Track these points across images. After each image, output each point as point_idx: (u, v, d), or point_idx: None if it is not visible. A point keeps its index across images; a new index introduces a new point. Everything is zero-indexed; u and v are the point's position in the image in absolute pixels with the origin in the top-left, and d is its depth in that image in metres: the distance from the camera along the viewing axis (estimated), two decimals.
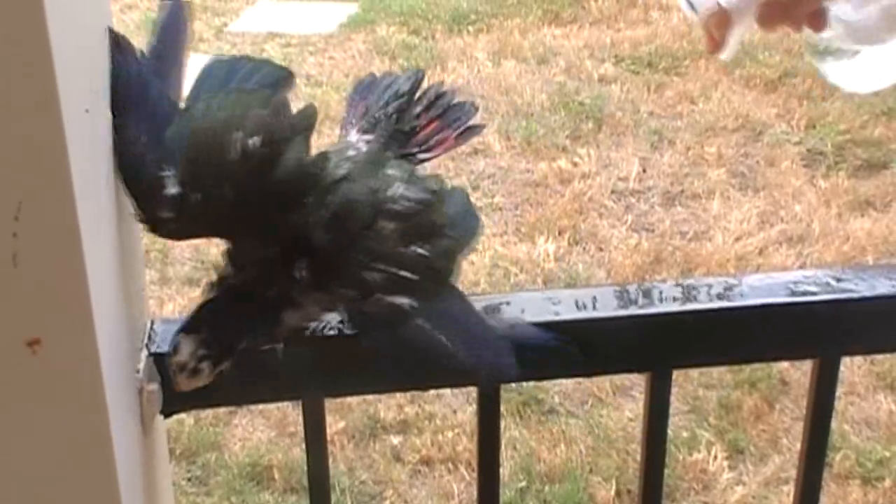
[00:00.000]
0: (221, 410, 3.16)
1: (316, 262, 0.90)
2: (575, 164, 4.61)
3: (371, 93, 1.08)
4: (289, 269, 0.90)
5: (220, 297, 0.93)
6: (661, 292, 1.02)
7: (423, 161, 1.05)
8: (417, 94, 1.09)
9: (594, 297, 1.02)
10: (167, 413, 1.00)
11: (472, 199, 0.99)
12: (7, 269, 0.74)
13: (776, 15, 0.84)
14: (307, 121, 0.94)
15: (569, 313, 1.00)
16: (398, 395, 3.20)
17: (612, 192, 4.43)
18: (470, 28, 5.92)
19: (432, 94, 1.09)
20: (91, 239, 0.77)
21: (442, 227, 0.95)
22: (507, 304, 1.01)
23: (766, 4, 0.84)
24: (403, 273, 0.91)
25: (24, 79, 0.70)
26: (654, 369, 1.03)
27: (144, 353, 0.97)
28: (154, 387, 0.97)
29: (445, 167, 4.56)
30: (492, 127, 4.92)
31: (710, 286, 1.03)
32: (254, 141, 0.89)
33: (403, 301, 0.91)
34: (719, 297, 1.02)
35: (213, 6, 6.32)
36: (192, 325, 0.92)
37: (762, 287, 1.03)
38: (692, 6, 0.83)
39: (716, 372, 3.29)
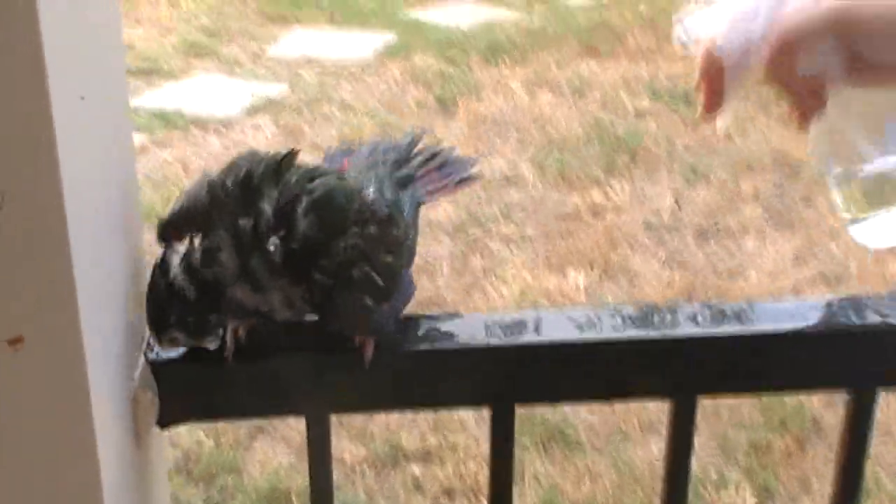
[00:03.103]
0: (242, 433, 3.11)
1: (293, 244, 0.89)
2: (608, 197, 4.56)
3: (368, 152, 1.08)
4: (261, 243, 0.89)
5: (176, 268, 0.91)
6: (686, 314, 0.97)
7: (420, 204, 1.06)
8: (416, 149, 1.10)
9: (617, 316, 0.97)
10: (164, 424, 0.95)
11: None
12: None
13: (778, 75, 0.80)
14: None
15: (590, 333, 0.95)
16: (421, 423, 3.14)
17: (646, 226, 4.37)
18: (507, 59, 5.89)
19: (430, 150, 1.11)
20: (80, 235, 0.73)
21: (400, 243, 0.97)
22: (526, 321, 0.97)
23: (772, 61, 0.80)
24: (377, 278, 0.92)
25: (10, 58, 0.66)
26: (677, 396, 0.98)
27: (142, 359, 0.93)
28: (150, 396, 0.92)
29: (477, 196, 4.52)
30: (525, 157, 4.89)
31: (738, 310, 0.98)
32: None
33: (369, 302, 0.92)
34: (747, 320, 0.96)
35: (251, 31, 6.33)
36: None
37: (794, 311, 0.97)
38: (686, 37, 0.81)
39: (746, 411, 3.21)
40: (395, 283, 0.95)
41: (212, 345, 0.93)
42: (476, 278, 3.98)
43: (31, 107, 0.67)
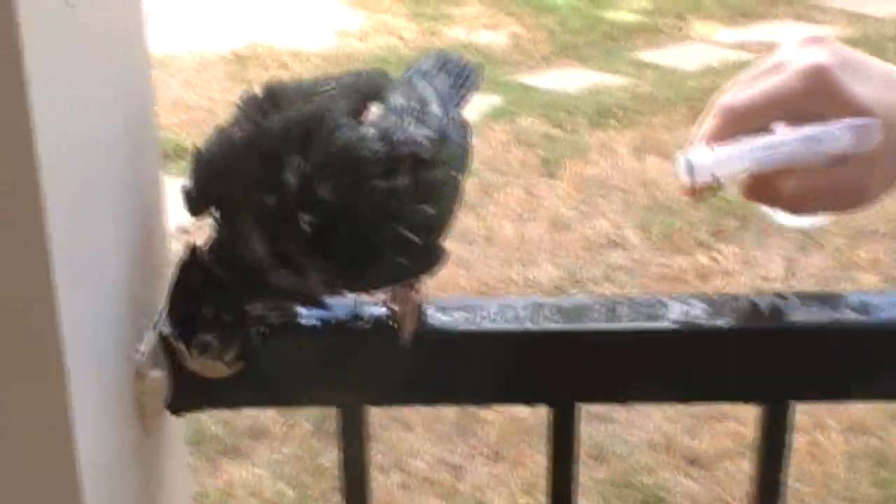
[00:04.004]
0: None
1: (318, 215, 0.76)
2: (715, 261, 4.38)
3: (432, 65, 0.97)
4: (291, 223, 0.76)
5: (197, 253, 0.80)
6: (791, 305, 0.83)
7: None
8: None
9: (708, 305, 0.84)
10: (176, 409, 0.84)
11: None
12: None
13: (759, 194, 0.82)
14: None
15: (673, 320, 0.82)
16: (511, 483, 2.99)
17: (755, 291, 4.17)
18: (614, 122, 5.77)
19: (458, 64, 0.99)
20: (57, 179, 0.62)
21: (445, 186, 0.84)
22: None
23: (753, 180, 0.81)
24: (412, 236, 0.79)
25: None
26: (768, 400, 0.83)
27: (149, 334, 0.81)
28: (158, 374, 0.81)
29: (579, 258, 4.40)
30: (630, 220, 4.75)
31: (856, 301, 0.84)
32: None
33: (406, 262, 0.80)
34: (857, 310, 0.82)
35: None
36: (168, 297, 0.80)
37: None
38: (691, 173, 0.79)
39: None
40: (440, 232, 0.83)
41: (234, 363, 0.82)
42: None
43: None
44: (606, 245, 4.54)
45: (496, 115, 5.87)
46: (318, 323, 0.83)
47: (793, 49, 0.81)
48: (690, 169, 0.78)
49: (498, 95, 6.13)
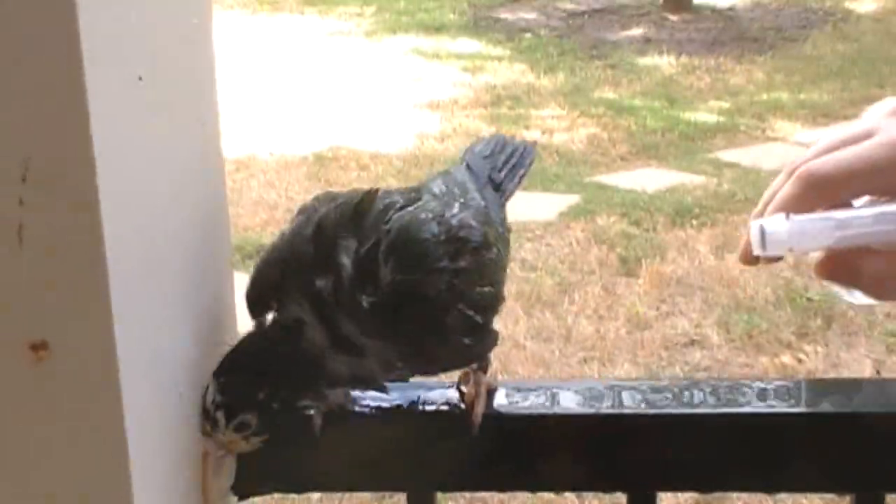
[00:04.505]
0: None
1: (380, 297, 0.76)
2: (800, 361, 4.28)
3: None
4: (349, 305, 0.75)
5: (261, 333, 0.78)
6: (876, 388, 0.79)
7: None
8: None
9: (789, 389, 0.80)
10: (243, 493, 0.82)
11: None
12: (10, 247, 0.60)
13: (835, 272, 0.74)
14: None
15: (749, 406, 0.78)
16: None
17: None
18: (693, 221, 5.72)
19: (509, 147, 1.00)
20: (118, 217, 0.62)
21: (498, 268, 0.85)
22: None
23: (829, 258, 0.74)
24: (475, 316, 0.79)
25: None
26: (856, 490, 0.79)
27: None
28: (223, 454, 0.79)
29: (659, 356, 4.33)
30: (710, 319, 4.68)
31: None
32: None
33: (469, 342, 0.79)
34: None
35: None
36: (222, 365, 0.78)
37: None
38: (763, 243, 0.73)
39: None
40: (496, 311, 0.82)
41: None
42: None
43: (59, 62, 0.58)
44: (687, 344, 4.47)
45: (574, 213, 5.87)
46: (386, 406, 0.81)
47: (884, 115, 0.75)
48: (763, 238, 0.72)
49: (576, 194, 6.13)
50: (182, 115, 0.76)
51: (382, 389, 0.82)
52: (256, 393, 0.78)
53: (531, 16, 10.19)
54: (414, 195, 0.83)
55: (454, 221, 0.80)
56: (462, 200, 0.84)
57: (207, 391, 0.77)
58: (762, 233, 0.72)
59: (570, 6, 10.46)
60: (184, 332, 0.76)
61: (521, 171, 0.97)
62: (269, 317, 0.80)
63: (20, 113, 0.57)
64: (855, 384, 0.81)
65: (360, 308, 0.75)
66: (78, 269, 0.60)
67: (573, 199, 6.08)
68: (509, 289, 5.03)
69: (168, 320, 0.72)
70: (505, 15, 10.29)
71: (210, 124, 0.83)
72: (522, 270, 5.18)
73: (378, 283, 0.76)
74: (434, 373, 0.82)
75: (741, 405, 0.80)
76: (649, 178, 6.39)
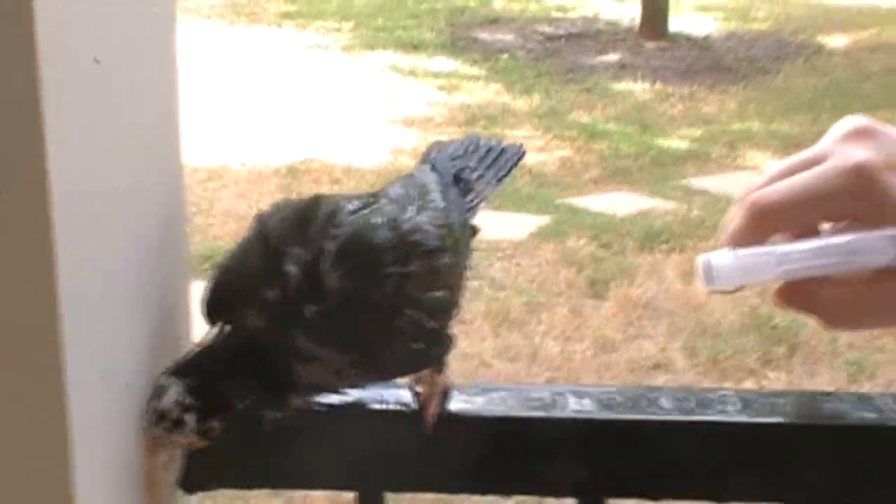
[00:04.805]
0: None
1: (328, 305, 0.75)
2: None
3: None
4: (297, 314, 0.74)
5: (226, 340, 0.77)
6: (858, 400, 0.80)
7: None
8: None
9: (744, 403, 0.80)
10: (189, 487, 0.81)
11: None
12: None
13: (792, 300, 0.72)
14: None
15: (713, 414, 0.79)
16: None
17: None
18: (662, 246, 5.75)
19: (484, 146, 0.99)
20: (70, 202, 0.61)
21: (453, 272, 0.83)
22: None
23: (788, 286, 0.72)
24: (427, 321, 0.78)
25: None
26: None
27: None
28: (178, 449, 0.78)
29: (624, 379, 4.34)
30: (676, 343, 4.69)
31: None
32: None
33: (418, 347, 0.78)
34: None
35: None
36: (184, 368, 0.76)
37: None
38: (711, 278, 0.70)
39: None
40: (451, 316, 0.81)
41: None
42: None
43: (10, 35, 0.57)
44: (652, 368, 4.49)
45: (545, 235, 5.88)
46: (338, 403, 0.81)
47: (835, 141, 0.72)
48: (710, 273, 0.70)
49: (547, 215, 6.15)
50: (141, 106, 0.76)
51: (341, 395, 0.82)
52: (231, 399, 0.77)
53: (509, 37, 10.22)
54: (371, 200, 0.82)
55: (406, 226, 0.79)
56: (419, 203, 0.82)
57: (166, 391, 0.76)
58: (707, 267, 0.70)
59: (547, 29, 10.50)
60: (135, 322, 0.76)
61: (502, 173, 0.96)
62: (227, 326, 0.80)
63: None
64: (807, 396, 0.81)
65: (307, 317, 0.75)
66: (25, 256, 0.60)
67: (544, 219, 6.10)
68: (477, 307, 5.05)
69: (119, 308, 0.72)
70: (483, 35, 10.32)
71: (170, 118, 0.83)
72: (491, 289, 5.18)
73: (324, 291, 0.75)
74: (389, 379, 0.81)
75: (694, 413, 0.80)
76: (620, 202, 6.42)
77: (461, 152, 0.95)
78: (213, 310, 0.80)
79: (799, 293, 0.71)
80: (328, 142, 7.21)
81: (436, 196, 0.85)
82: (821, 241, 0.70)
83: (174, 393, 0.75)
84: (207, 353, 0.78)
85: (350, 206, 0.79)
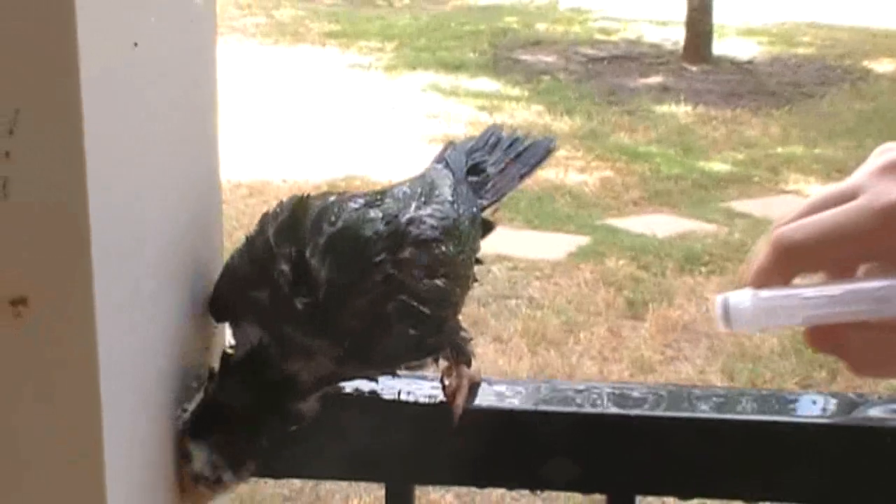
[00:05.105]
0: None
1: (317, 296, 0.76)
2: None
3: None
4: (289, 306, 0.76)
5: (223, 383, 0.78)
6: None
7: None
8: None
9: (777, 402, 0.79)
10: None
11: None
12: None
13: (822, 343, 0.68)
14: None
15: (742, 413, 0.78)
16: None
17: None
18: (702, 269, 5.72)
19: (507, 140, 0.99)
20: (105, 175, 0.61)
21: (452, 262, 0.83)
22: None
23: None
24: (421, 307, 0.77)
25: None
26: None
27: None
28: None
29: None
30: (715, 366, 4.66)
31: None
32: None
33: (415, 333, 0.78)
34: None
35: None
36: (200, 428, 0.77)
37: None
38: (728, 320, 0.67)
39: None
40: (450, 306, 0.81)
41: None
42: None
43: (52, 15, 0.58)
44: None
45: (584, 255, 5.87)
46: (367, 395, 0.81)
47: (870, 174, 0.67)
48: (727, 315, 0.66)
49: (586, 236, 6.13)
50: (178, 91, 0.76)
51: (373, 380, 0.82)
52: (257, 442, 0.78)
53: (551, 59, 10.23)
54: (376, 197, 0.83)
55: (403, 219, 0.80)
56: (423, 199, 0.83)
57: (194, 457, 0.76)
58: (725, 308, 0.67)
59: (590, 51, 10.50)
60: (167, 297, 0.76)
61: (527, 167, 0.96)
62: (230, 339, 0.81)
63: (10, 64, 0.58)
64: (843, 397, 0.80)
65: (298, 309, 0.75)
66: (62, 226, 0.60)
67: (583, 240, 6.08)
68: (515, 325, 5.03)
69: (151, 283, 0.72)
70: (525, 57, 10.34)
71: (207, 104, 0.84)
72: (529, 308, 5.17)
73: (314, 284, 0.75)
74: (392, 368, 0.80)
75: (730, 412, 0.79)
76: (660, 224, 6.39)
77: (480, 145, 0.96)
78: (216, 311, 0.82)
79: (826, 337, 0.67)
80: (369, 159, 7.24)
81: (444, 191, 0.86)
82: (849, 284, 0.66)
83: (203, 457, 0.76)
84: (217, 398, 0.78)
85: (353, 204, 0.80)
